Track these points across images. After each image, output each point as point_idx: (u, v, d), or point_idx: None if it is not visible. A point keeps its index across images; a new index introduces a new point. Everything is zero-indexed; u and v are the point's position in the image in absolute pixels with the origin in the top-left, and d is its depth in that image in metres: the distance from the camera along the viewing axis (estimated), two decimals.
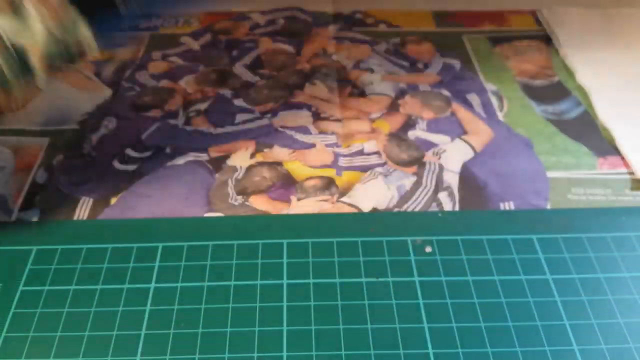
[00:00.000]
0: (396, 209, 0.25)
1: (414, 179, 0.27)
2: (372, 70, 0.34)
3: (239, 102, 0.32)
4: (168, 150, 0.29)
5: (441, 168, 0.27)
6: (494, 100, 0.32)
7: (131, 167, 0.28)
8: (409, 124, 0.30)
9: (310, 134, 0.29)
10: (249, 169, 0.27)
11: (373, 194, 0.26)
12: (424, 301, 0.22)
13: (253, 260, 0.23)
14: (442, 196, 0.26)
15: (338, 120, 0.30)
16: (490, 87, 0.33)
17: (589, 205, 0.26)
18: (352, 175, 0.27)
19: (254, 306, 0.21)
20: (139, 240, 0.24)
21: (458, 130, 0.30)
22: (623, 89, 0.32)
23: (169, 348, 0.20)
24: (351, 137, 0.29)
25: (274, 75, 0.33)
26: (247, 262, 0.23)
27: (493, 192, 0.26)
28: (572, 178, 0.27)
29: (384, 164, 0.28)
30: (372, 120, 0.30)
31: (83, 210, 0.26)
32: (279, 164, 0.28)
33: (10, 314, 0.21)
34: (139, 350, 0.20)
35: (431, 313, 0.21)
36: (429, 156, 0.28)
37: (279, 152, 0.28)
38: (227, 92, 0.32)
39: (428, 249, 0.23)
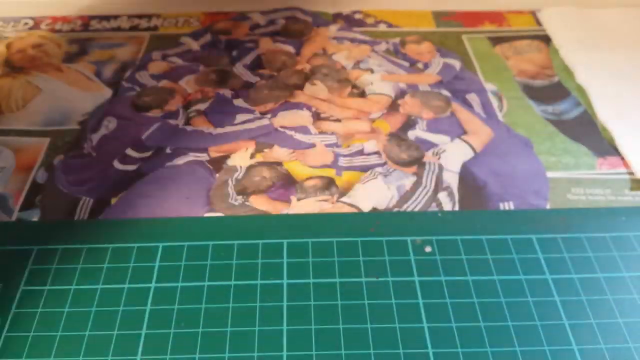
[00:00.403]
0: (396, 209, 0.25)
1: (413, 178, 0.27)
2: (372, 71, 0.34)
3: (239, 102, 0.32)
4: (168, 150, 0.29)
5: (441, 168, 0.27)
6: (494, 100, 0.32)
7: (131, 167, 0.28)
8: (409, 124, 0.30)
9: (310, 134, 0.30)
10: (249, 169, 0.27)
11: (373, 193, 0.26)
12: (423, 301, 0.22)
13: (253, 260, 0.23)
14: (442, 196, 0.26)
15: (338, 120, 0.30)
16: (490, 87, 0.33)
17: (589, 205, 0.26)
18: (352, 175, 0.27)
19: (254, 306, 0.22)
20: (140, 240, 0.24)
21: (458, 130, 0.30)
22: (622, 89, 0.32)
23: (170, 347, 0.20)
24: (351, 137, 0.29)
25: (274, 76, 0.34)
26: (247, 262, 0.23)
27: (493, 192, 0.26)
28: (571, 178, 0.27)
29: (384, 164, 0.28)
30: (372, 120, 0.30)
31: (83, 210, 0.26)
32: (279, 164, 0.28)
33: (11, 313, 0.21)
34: (140, 349, 0.20)
35: (431, 313, 0.21)
36: (428, 156, 0.28)
37: (279, 152, 0.28)
38: (227, 92, 0.32)
39: (428, 249, 0.23)
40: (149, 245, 0.24)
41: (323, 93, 0.32)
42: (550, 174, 0.27)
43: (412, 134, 0.29)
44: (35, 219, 0.25)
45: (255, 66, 0.34)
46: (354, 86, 0.33)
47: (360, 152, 0.28)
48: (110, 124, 0.30)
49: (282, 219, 0.25)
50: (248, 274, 0.23)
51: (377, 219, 0.25)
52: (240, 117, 0.31)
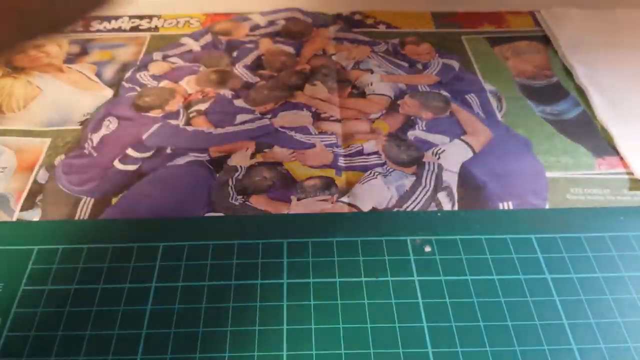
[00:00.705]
0: (395, 209, 0.25)
1: (413, 178, 0.27)
2: (371, 71, 0.34)
3: (239, 102, 0.32)
4: (169, 150, 0.29)
5: (440, 168, 0.27)
6: (493, 101, 0.32)
7: (132, 167, 0.28)
8: (409, 124, 0.30)
9: (310, 134, 0.30)
10: (249, 169, 0.28)
11: (372, 193, 0.26)
12: (423, 300, 0.22)
13: (253, 260, 0.23)
14: (441, 196, 0.26)
15: (338, 120, 0.30)
16: (489, 87, 0.33)
17: (588, 205, 0.26)
18: (352, 175, 0.27)
19: (254, 305, 0.22)
20: (140, 240, 0.24)
21: (457, 131, 0.30)
22: (621, 89, 0.32)
23: (170, 347, 0.20)
24: (351, 138, 0.29)
25: (274, 76, 0.34)
26: (248, 262, 0.23)
27: (492, 192, 0.26)
28: (570, 178, 0.27)
29: (384, 164, 0.28)
30: (372, 121, 0.30)
31: (84, 210, 0.26)
32: (279, 164, 0.28)
33: (12, 313, 0.21)
34: (140, 349, 0.20)
35: (430, 312, 0.21)
36: (428, 156, 0.28)
37: (279, 152, 0.29)
38: (227, 93, 0.32)
39: (427, 249, 0.24)
40: (149, 245, 0.24)
41: (323, 93, 0.32)
42: (549, 174, 0.27)
43: (411, 134, 0.30)
44: (36, 218, 0.25)
45: (256, 67, 0.34)
46: (354, 86, 0.33)
47: (360, 152, 0.29)
48: (111, 124, 0.30)
49: (282, 219, 0.25)
50: (248, 273, 0.23)
51: (376, 218, 0.25)
52: (240, 118, 0.31)
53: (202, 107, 0.31)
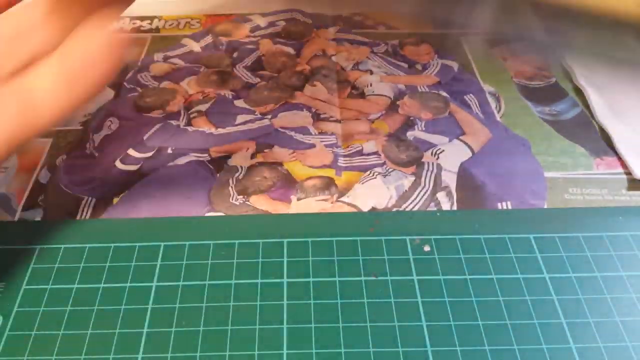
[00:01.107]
0: (395, 209, 0.26)
1: (412, 178, 0.27)
2: (371, 72, 0.34)
3: (239, 103, 0.32)
4: (169, 150, 0.29)
5: (439, 168, 0.28)
6: (492, 101, 0.32)
7: (133, 167, 0.28)
8: (408, 124, 0.30)
9: (310, 134, 0.30)
10: (250, 169, 0.28)
11: (372, 193, 0.26)
12: (422, 299, 0.22)
13: (253, 259, 0.23)
14: (440, 196, 0.26)
15: (337, 121, 0.31)
16: (487, 88, 0.33)
17: (586, 205, 0.26)
18: (352, 175, 0.27)
19: (254, 304, 0.22)
20: (141, 240, 0.24)
21: (456, 131, 0.30)
22: (620, 89, 0.32)
23: (171, 345, 0.20)
24: (350, 138, 0.30)
25: (274, 77, 0.34)
26: (248, 261, 0.23)
27: (491, 191, 0.26)
28: (569, 178, 0.27)
29: (383, 164, 0.28)
30: (371, 121, 0.31)
31: (86, 209, 0.26)
32: (279, 164, 0.28)
33: (13, 312, 0.22)
34: (141, 347, 0.20)
35: (430, 311, 0.21)
36: (427, 156, 0.28)
37: (279, 153, 0.29)
38: (228, 93, 0.33)
39: (426, 248, 0.24)
40: (150, 244, 0.24)
41: (323, 94, 0.32)
42: (547, 174, 0.27)
43: (410, 135, 0.30)
44: (37, 218, 0.25)
45: (256, 67, 0.35)
46: (354, 87, 0.33)
47: (360, 153, 0.29)
48: (112, 125, 0.30)
49: (282, 219, 0.25)
50: (248, 272, 0.23)
51: (376, 218, 0.25)
52: (240, 118, 0.31)
53: (203, 107, 0.32)
